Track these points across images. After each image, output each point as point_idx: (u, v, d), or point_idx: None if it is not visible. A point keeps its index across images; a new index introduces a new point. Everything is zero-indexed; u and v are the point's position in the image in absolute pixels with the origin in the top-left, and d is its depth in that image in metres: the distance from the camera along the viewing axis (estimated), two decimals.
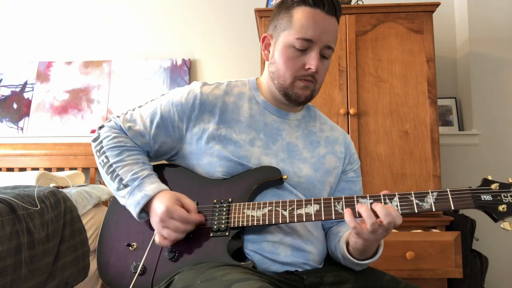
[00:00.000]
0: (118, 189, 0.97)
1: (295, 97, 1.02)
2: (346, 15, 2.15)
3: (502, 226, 0.80)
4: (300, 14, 0.98)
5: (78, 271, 1.64)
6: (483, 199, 0.82)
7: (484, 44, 2.48)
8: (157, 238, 0.92)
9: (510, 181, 0.83)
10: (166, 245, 0.92)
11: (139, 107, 1.08)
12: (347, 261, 0.94)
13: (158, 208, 0.90)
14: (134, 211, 0.94)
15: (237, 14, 2.68)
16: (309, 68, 0.98)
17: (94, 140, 1.06)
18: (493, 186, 0.83)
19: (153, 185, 0.95)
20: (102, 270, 0.98)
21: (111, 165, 0.99)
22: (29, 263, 1.35)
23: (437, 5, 2.10)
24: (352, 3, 2.29)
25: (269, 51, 1.06)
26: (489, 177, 0.85)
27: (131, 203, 0.94)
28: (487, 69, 2.46)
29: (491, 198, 0.82)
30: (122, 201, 0.97)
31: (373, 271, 0.98)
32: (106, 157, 1.01)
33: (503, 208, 0.80)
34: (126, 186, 0.95)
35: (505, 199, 0.81)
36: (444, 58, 2.59)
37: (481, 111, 2.45)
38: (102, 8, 2.82)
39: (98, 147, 1.04)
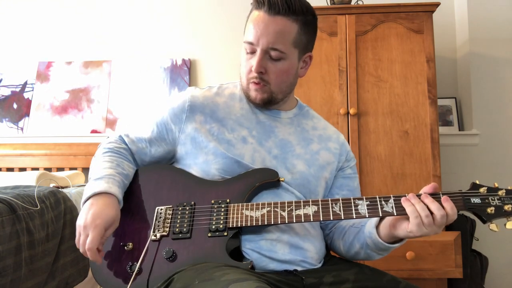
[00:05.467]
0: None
1: (252, 99, 1.05)
2: (346, 15, 2.15)
3: (490, 227, 0.86)
4: (250, 18, 1.03)
5: (78, 271, 1.64)
6: (472, 201, 0.87)
7: (484, 44, 2.48)
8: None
9: (496, 185, 0.89)
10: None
11: (138, 120, 1.15)
12: (375, 245, 0.95)
13: (90, 216, 0.89)
14: (82, 200, 0.96)
15: (237, 14, 2.68)
16: (252, 70, 1.01)
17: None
18: (482, 190, 0.89)
19: (107, 184, 0.96)
20: (96, 270, 0.97)
21: (94, 163, 1.05)
22: (29, 263, 1.35)
23: (437, 5, 2.10)
24: (352, 3, 2.29)
25: None
26: (477, 181, 0.91)
27: (85, 192, 0.96)
28: (487, 69, 2.46)
29: (480, 201, 0.87)
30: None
31: (373, 271, 0.98)
32: (95, 156, 1.08)
33: (491, 211, 0.86)
34: (90, 179, 1.00)
35: (493, 202, 0.87)
36: (444, 58, 2.59)
37: (481, 111, 2.45)
38: (102, 8, 2.81)
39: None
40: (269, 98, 1.04)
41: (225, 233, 0.91)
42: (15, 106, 2.71)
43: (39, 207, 1.46)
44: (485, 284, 2.15)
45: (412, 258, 1.85)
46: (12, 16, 2.85)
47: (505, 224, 0.85)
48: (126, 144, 1.10)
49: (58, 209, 1.59)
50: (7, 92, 2.74)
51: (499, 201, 0.86)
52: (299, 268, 0.94)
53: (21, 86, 2.75)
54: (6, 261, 1.25)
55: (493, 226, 0.86)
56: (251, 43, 1.00)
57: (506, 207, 0.86)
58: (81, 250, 0.91)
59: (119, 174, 1.00)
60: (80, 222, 0.91)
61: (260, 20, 0.98)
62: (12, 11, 2.85)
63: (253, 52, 1.01)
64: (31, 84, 2.74)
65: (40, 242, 1.42)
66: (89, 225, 0.88)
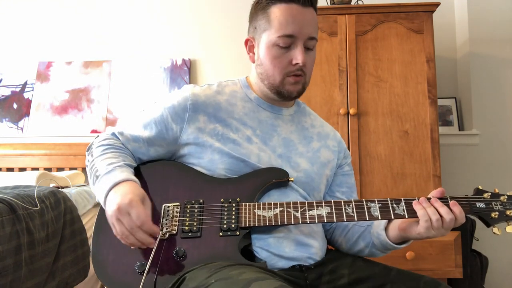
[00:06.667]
0: (94, 183, 0.94)
1: (288, 93, 1.04)
2: (346, 15, 2.15)
3: (493, 231, 0.92)
4: (277, 12, 0.99)
5: (78, 271, 1.64)
6: (478, 206, 0.93)
7: (484, 44, 2.48)
8: (114, 228, 0.87)
9: (497, 190, 0.95)
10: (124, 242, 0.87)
11: (132, 118, 1.09)
12: (383, 245, 0.98)
13: (119, 197, 0.85)
14: (101, 199, 0.91)
15: (237, 14, 2.68)
16: (297, 63, 0.99)
17: (88, 150, 1.06)
18: (485, 195, 0.94)
19: (123, 173, 0.92)
20: (100, 269, 0.94)
21: (93, 161, 0.98)
22: (29, 263, 1.35)
23: (437, 5, 2.11)
24: (352, 3, 2.29)
25: (253, 53, 1.08)
26: (480, 187, 0.96)
27: (99, 191, 0.91)
28: (487, 69, 2.46)
29: (485, 205, 0.93)
30: (97, 196, 0.95)
31: (365, 261, 1.01)
32: (92, 155, 1.00)
33: (495, 215, 0.92)
34: (98, 176, 0.93)
35: (496, 207, 0.93)
36: (444, 58, 2.59)
37: (481, 111, 2.45)
38: (102, 8, 2.81)
39: (88, 151, 1.04)
40: (303, 89, 1.05)
41: (237, 233, 0.91)
42: (15, 106, 2.71)
43: (39, 207, 1.46)
44: (485, 284, 2.14)
45: (412, 258, 1.85)
46: (12, 16, 2.84)
47: (505, 228, 0.92)
48: (122, 143, 1.06)
49: (58, 209, 1.59)
50: (7, 92, 2.74)
51: (502, 206, 0.93)
52: (305, 265, 0.96)
53: (21, 86, 2.75)
54: (6, 261, 1.24)
55: (495, 229, 0.92)
56: (290, 36, 0.98)
57: (507, 212, 0.92)
58: (129, 238, 0.84)
59: (129, 166, 0.98)
60: (110, 211, 0.85)
61: (297, 12, 0.98)
62: (12, 11, 2.85)
63: (288, 45, 0.99)
64: (31, 84, 2.74)
65: (40, 242, 1.42)
66: (124, 206, 0.84)
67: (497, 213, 0.92)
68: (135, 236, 0.85)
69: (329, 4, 2.33)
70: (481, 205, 0.93)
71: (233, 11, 2.71)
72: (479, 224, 2.18)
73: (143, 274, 0.87)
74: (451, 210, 0.89)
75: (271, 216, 0.92)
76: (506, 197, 0.94)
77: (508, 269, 2.37)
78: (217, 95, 1.06)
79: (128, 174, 0.93)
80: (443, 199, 0.91)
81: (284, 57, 1.00)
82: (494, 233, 0.92)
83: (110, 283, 0.92)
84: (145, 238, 0.85)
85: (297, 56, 0.99)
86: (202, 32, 2.74)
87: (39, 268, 1.41)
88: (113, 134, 1.06)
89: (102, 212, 1.01)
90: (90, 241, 1.82)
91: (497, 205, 0.93)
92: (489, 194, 0.94)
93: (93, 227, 1.01)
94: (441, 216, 0.88)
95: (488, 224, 0.93)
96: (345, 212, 0.92)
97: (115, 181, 0.89)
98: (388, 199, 0.93)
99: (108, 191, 0.89)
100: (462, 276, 1.86)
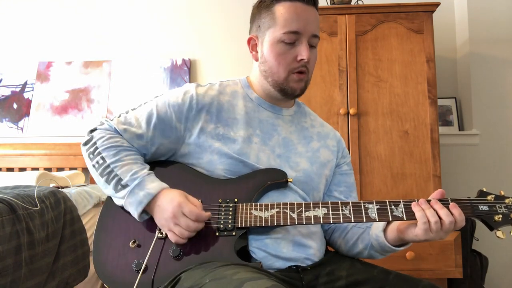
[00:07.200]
0: (116, 190, 0.95)
1: (291, 91, 1.04)
2: (346, 15, 2.15)
3: (496, 234, 0.88)
4: (281, 9, 1.01)
5: (78, 271, 1.64)
6: (480, 209, 0.90)
7: (484, 44, 2.48)
8: (170, 236, 0.91)
9: (502, 193, 0.92)
10: (181, 243, 0.91)
11: (132, 109, 1.07)
12: (382, 247, 0.97)
13: (169, 204, 0.90)
14: (135, 210, 0.92)
15: (237, 14, 2.68)
16: (302, 59, 1.00)
17: (86, 143, 1.02)
18: (489, 197, 0.91)
19: (154, 183, 0.94)
20: (99, 267, 0.95)
21: (108, 166, 0.96)
22: (29, 263, 1.35)
23: (437, 5, 2.11)
24: (352, 3, 2.29)
25: (257, 52, 1.09)
26: (484, 189, 0.93)
27: (132, 202, 0.93)
28: (487, 69, 2.46)
29: (488, 208, 0.90)
30: (119, 202, 0.96)
31: (364, 264, 1.00)
32: (102, 157, 0.97)
33: (499, 218, 0.88)
34: (125, 186, 0.94)
35: (500, 210, 0.89)
36: (444, 58, 2.59)
37: (481, 111, 2.45)
38: (102, 8, 2.82)
39: (92, 149, 1.00)
40: (305, 87, 1.06)
41: (234, 233, 0.91)
42: (15, 106, 2.71)
43: (39, 207, 1.46)
44: (485, 284, 2.15)
45: (412, 258, 1.86)
46: (12, 16, 2.85)
47: (510, 232, 0.88)
48: (127, 141, 1.03)
49: (58, 209, 1.59)
50: (7, 92, 2.74)
51: (506, 209, 0.89)
52: (302, 265, 0.95)
53: (21, 86, 2.75)
54: (6, 261, 1.24)
55: (499, 233, 0.88)
56: (295, 32, 1.00)
57: None
58: (186, 234, 0.89)
59: (150, 171, 0.99)
60: (164, 220, 0.90)
61: (302, 9, 1.01)
62: (12, 11, 2.85)
63: (293, 42, 1.01)
64: (31, 84, 2.74)
65: (40, 242, 1.42)
66: (176, 210, 0.89)
67: (500, 216, 0.88)
68: (192, 230, 0.90)
69: (329, 4, 2.33)
70: (484, 207, 0.89)
71: (233, 11, 2.71)
72: (479, 224, 2.18)
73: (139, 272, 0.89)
74: (451, 212, 0.87)
75: (267, 217, 0.92)
76: (511, 199, 0.90)
77: (508, 269, 2.37)
78: (220, 95, 1.07)
79: (159, 182, 0.96)
80: (444, 201, 0.89)
81: (289, 53, 1.01)
82: (498, 237, 0.88)
83: (109, 281, 0.93)
84: (200, 226, 0.91)
85: (302, 52, 1.00)
86: (202, 32, 2.74)
87: (39, 268, 1.41)
88: (115, 130, 1.03)
89: (104, 211, 1.02)
90: (90, 241, 1.82)
91: (501, 207, 0.89)
92: (493, 196, 0.90)
93: (94, 227, 1.01)
94: (440, 218, 0.86)
95: (491, 228, 0.89)
96: (342, 213, 0.91)
97: (153, 193, 0.92)
98: (387, 200, 0.92)
99: (148, 203, 0.92)
100: (462, 276, 1.86)
